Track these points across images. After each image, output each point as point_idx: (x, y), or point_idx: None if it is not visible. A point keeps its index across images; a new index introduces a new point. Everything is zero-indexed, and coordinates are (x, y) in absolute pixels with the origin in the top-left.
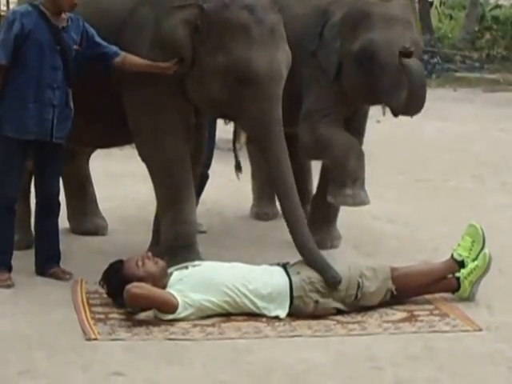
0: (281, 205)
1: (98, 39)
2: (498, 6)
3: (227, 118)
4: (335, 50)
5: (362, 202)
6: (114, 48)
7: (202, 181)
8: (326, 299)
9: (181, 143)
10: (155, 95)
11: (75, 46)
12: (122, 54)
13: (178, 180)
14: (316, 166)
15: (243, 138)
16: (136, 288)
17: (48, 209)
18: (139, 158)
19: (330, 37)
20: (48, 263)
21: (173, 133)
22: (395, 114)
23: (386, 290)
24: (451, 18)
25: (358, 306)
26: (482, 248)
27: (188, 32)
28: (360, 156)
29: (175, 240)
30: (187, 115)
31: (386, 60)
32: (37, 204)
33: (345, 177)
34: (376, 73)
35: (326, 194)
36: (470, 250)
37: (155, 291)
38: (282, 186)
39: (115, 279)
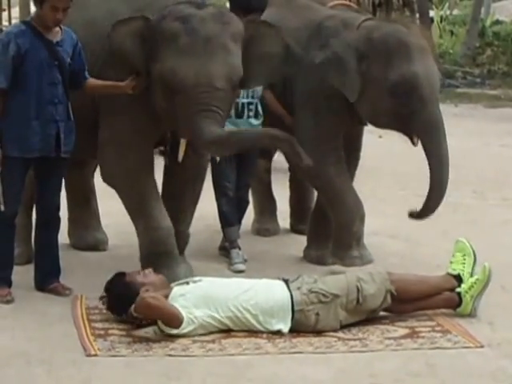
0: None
1: (83, 56)
2: (498, 22)
3: (171, 125)
4: (357, 72)
5: (369, 261)
6: (86, 72)
7: (241, 206)
8: (328, 310)
9: (144, 154)
10: (123, 106)
11: (68, 60)
12: (88, 79)
13: (142, 189)
14: None
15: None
16: (152, 298)
17: (48, 224)
18: None
19: (349, 57)
20: (48, 278)
21: (137, 145)
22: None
23: (386, 291)
24: (452, 34)
25: (361, 311)
26: (475, 261)
27: (136, 43)
28: (362, 217)
29: (150, 247)
30: (156, 127)
31: (425, 95)
32: (37, 219)
33: (349, 239)
34: (413, 106)
35: (332, 256)
36: (463, 263)
37: (167, 304)
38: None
39: (118, 286)
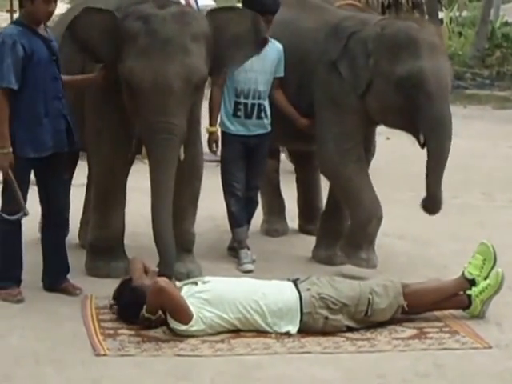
0: (152, 206)
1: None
2: (507, 24)
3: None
4: (366, 67)
5: (374, 265)
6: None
7: (251, 206)
8: (336, 316)
9: (118, 154)
10: (98, 100)
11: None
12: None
13: (108, 188)
14: (324, 182)
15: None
16: (165, 282)
17: (58, 225)
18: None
19: (360, 52)
20: (57, 278)
21: (111, 144)
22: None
23: (398, 306)
24: (461, 35)
25: (368, 322)
26: (493, 266)
27: (105, 37)
28: (380, 219)
29: (95, 240)
30: (130, 127)
31: (432, 91)
32: (46, 219)
33: (362, 239)
34: (419, 102)
35: (339, 250)
36: (481, 268)
37: (179, 294)
38: (157, 188)
39: (126, 294)
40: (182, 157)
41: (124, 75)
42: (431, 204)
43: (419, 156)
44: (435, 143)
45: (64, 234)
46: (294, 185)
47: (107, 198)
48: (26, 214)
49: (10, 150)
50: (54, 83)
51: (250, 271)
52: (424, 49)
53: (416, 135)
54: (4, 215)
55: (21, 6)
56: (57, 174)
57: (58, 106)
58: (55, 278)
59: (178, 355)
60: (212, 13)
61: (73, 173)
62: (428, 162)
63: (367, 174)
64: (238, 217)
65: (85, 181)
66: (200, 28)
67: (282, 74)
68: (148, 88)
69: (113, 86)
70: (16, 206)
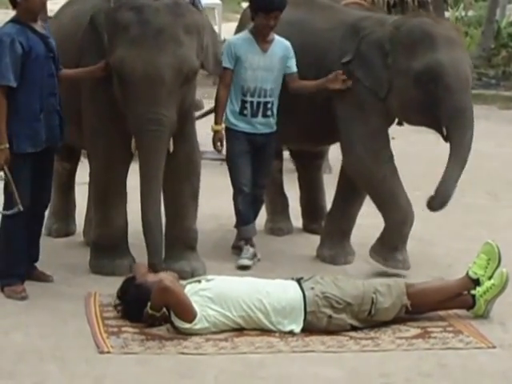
0: (141, 197)
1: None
2: None
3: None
4: (385, 68)
5: (409, 267)
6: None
7: (256, 205)
8: (340, 315)
9: (115, 151)
10: (91, 93)
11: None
12: (62, 70)
13: (107, 185)
14: (328, 182)
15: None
16: (169, 282)
17: (40, 215)
18: None
19: (375, 54)
20: (32, 266)
21: (108, 140)
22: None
23: (401, 305)
24: (467, 35)
25: (371, 321)
26: (498, 266)
27: (99, 33)
28: (412, 220)
29: (98, 239)
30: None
31: (451, 83)
32: (27, 209)
33: (398, 240)
34: (439, 95)
35: (373, 253)
36: (486, 268)
37: (183, 293)
38: (146, 180)
39: (130, 292)
40: (172, 148)
41: (115, 65)
42: (437, 199)
43: (424, 156)
44: (455, 133)
45: (43, 225)
46: (297, 184)
47: (107, 195)
48: (20, 210)
49: (7, 145)
50: (50, 80)
51: (245, 266)
52: (440, 42)
53: (439, 130)
54: (1, 211)
55: (13, 5)
56: (47, 169)
57: (53, 102)
58: (30, 267)
59: (182, 353)
60: None
61: (75, 170)
62: (449, 154)
63: (398, 174)
64: (245, 215)
65: (87, 179)
66: (193, 20)
67: (294, 70)
68: (139, 78)
69: (109, 81)
70: (13, 202)
